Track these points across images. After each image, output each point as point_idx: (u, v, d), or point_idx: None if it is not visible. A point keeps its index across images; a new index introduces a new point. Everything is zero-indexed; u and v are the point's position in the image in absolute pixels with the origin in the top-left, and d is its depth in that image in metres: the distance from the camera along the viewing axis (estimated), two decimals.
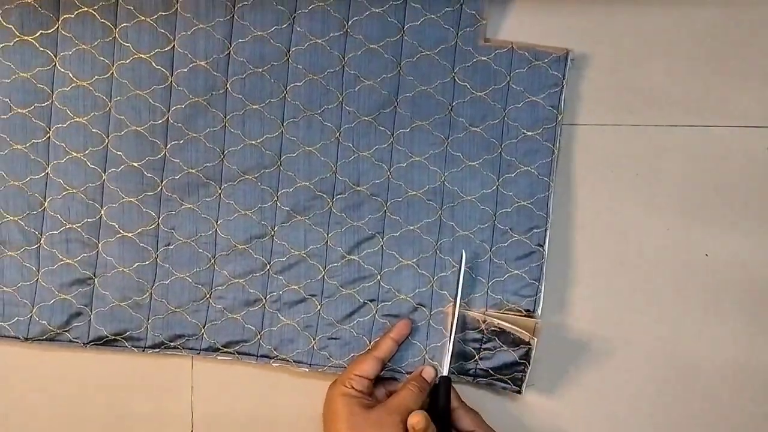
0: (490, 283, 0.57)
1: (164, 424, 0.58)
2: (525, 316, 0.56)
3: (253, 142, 0.56)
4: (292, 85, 0.55)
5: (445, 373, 0.54)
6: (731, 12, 0.57)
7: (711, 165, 0.58)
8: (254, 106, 0.56)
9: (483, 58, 0.55)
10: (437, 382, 0.55)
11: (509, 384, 0.57)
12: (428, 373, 0.55)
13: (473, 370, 0.57)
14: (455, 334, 0.55)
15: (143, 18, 0.54)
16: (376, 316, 0.57)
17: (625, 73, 0.58)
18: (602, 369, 0.59)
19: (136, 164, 0.55)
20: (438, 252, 0.57)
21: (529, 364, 0.56)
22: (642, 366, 0.59)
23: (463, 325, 0.56)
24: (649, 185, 0.58)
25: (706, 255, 0.59)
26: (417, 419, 0.49)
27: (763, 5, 0.57)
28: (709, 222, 0.59)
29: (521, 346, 0.56)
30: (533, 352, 0.55)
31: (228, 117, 0.55)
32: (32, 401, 0.58)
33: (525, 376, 0.56)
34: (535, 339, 0.55)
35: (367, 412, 0.50)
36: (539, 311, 0.57)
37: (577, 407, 0.59)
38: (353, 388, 0.52)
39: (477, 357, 0.56)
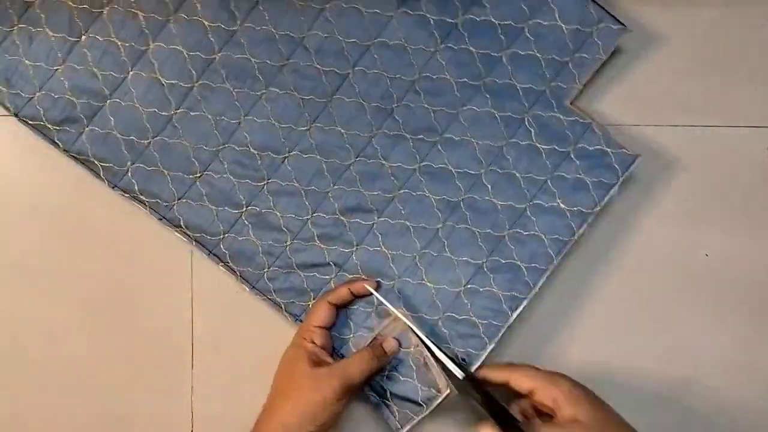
0: (445, 314, 0.57)
1: (164, 424, 0.57)
2: (458, 364, 0.54)
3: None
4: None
5: (461, 375, 0.52)
6: (731, 12, 0.58)
7: (711, 165, 0.58)
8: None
9: (559, 116, 0.56)
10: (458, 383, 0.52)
11: (393, 417, 0.55)
12: (389, 345, 0.54)
13: (375, 382, 0.55)
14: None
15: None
16: (331, 282, 0.57)
17: (625, 74, 0.58)
18: (601, 369, 0.57)
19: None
20: (417, 260, 0.57)
21: (425, 412, 0.54)
22: (641, 366, 0.58)
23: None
24: (649, 185, 0.58)
25: (706, 255, 0.58)
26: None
27: (763, 5, 0.58)
28: (709, 222, 0.58)
29: (431, 389, 0.54)
30: (435, 404, 0.54)
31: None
32: (32, 401, 0.57)
33: (414, 420, 0.54)
34: (446, 394, 0.54)
35: (311, 369, 0.49)
36: (473, 368, 0.55)
37: None
38: (312, 341, 0.51)
39: (386, 373, 0.55)
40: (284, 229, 0.56)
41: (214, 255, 0.56)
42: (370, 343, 0.54)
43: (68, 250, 0.57)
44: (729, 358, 0.58)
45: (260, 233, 0.56)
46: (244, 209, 0.56)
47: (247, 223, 0.56)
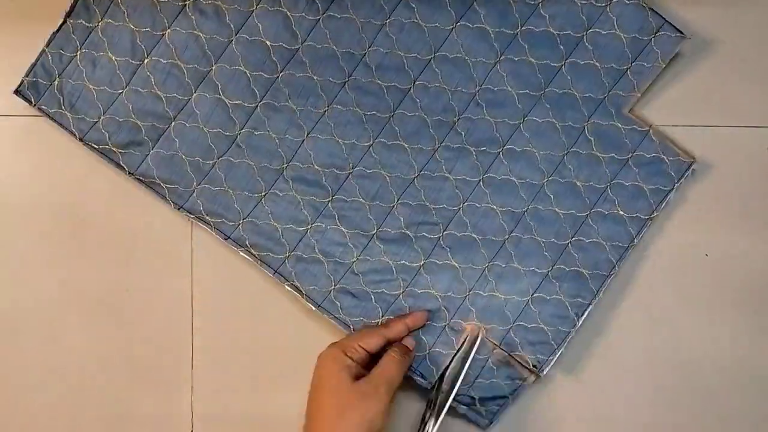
0: (515, 324, 0.57)
1: (164, 424, 0.57)
2: (530, 370, 0.56)
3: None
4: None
5: (452, 395, 0.54)
6: (732, 12, 0.58)
7: (711, 165, 0.58)
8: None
9: (618, 125, 0.56)
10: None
11: (481, 416, 0.56)
12: (410, 342, 0.54)
13: (463, 395, 0.56)
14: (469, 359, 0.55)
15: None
16: (401, 296, 0.57)
17: None
18: (601, 369, 0.58)
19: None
20: (487, 272, 0.57)
21: (510, 401, 0.56)
22: (642, 366, 0.58)
23: (471, 346, 0.56)
24: None
25: (706, 255, 0.58)
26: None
27: (763, 5, 0.58)
28: (709, 222, 0.58)
29: (516, 380, 0.55)
30: (522, 388, 0.56)
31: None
32: (32, 401, 0.57)
33: (500, 411, 0.56)
34: (533, 377, 0.55)
35: (353, 383, 0.49)
36: (544, 373, 0.56)
37: (577, 407, 0.58)
38: (351, 358, 0.51)
39: (472, 383, 0.56)
40: (350, 245, 0.56)
41: (279, 274, 0.56)
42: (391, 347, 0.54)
43: (68, 250, 0.57)
44: (729, 358, 0.58)
45: (326, 250, 0.56)
46: (310, 226, 0.56)
47: (312, 240, 0.56)
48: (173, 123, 0.56)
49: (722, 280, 0.58)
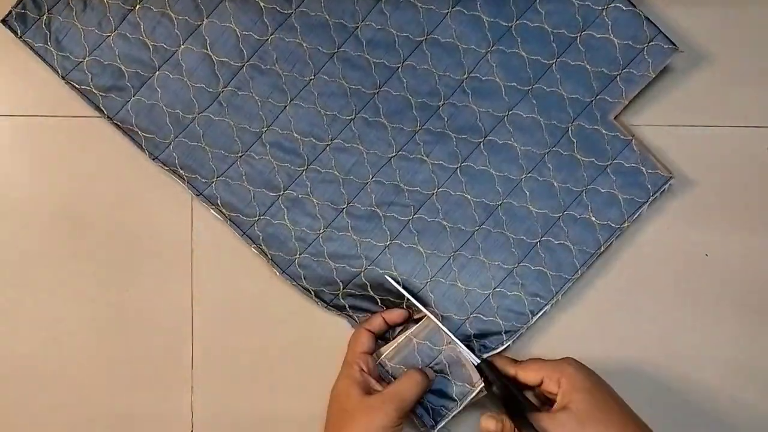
0: (472, 315, 0.56)
1: (164, 424, 0.57)
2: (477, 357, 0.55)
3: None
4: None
5: (475, 361, 0.53)
6: (731, 12, 0.58)
7: (711, 165, 0.58)
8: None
9: (602, 130, 0.56)
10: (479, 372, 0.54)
11: (428, 414, 0.55)
12: (430, 373, 0.54)
13: None
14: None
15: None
16: (362, 274, 0.57)
17: None
18: (601, 370, 0.56)
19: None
20: (451, 261, 0.56)
21: (458, 407, 0.54)
22: (642, 366, 0.58)
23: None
24: None
25: (706, 255, 0.58)
26: (485, 423, 0.49)
27: (763, 5, 0.58)
28: (709, 222, 0.58)
29: (465, 384, 0.55)
30: (469, 399, 0.54)
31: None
32: (33, 401, 0.57)
33: (448, 415, 0.54)
34: (479, 388, 0.54)
35: (363, 397, 0.50)
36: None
37: None
38: (361, 369, 0.52)
39: None
40: (319, 216, 0.56)
41: (247, 236, 0.56)
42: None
43: (68, 250, 0.57)
44: (729, 358, 0.58)
45: (295, 218, 0.56)
46: (282, 193, 0.56)
47: (282, 207, 0.56)
48: (157, 72, 0.55)
49: (722, 280, 0.58)
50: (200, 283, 0.57)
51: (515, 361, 0.54)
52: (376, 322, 0.55)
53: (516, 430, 0.49)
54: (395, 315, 0.55)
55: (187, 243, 0.57)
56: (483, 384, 0.53)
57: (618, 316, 0.58)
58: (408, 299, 0.55)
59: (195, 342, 0.57)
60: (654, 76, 0.56)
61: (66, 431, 0.57)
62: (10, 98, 0.57)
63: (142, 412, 0.57)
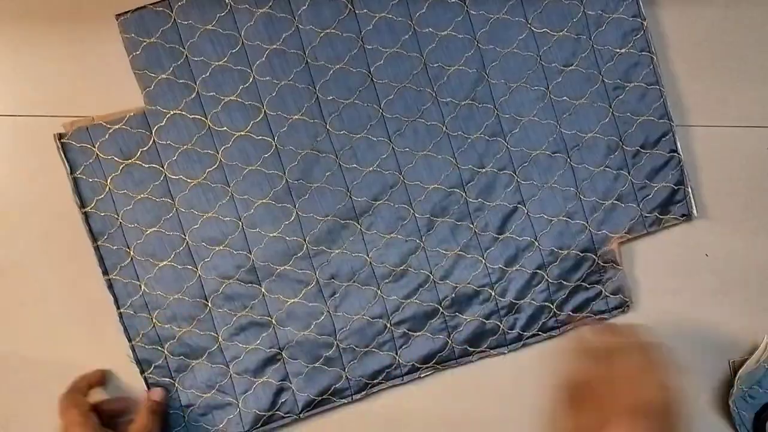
0: (641, 203, 0.57)
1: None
2: (683, 220, 0.57)
3: (371, 168, 0.57)
4: (385, 100, 0.56)
5: None
6: (731, 12, 0.58)
7: (711, 165, 0.59)
8: (358, 135, 0.56)
9: None
10: None
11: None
12: (157, 394, 0.56)
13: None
14: None
15: (227, 98, 0.55)
16: (549, 279, 0.58)
17: None
18: None
19: (276, 234, 0.56)
20: (581, 196, 0.57)
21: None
22: None
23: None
24: None
25: (706, 255, 0.59)
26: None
27: (763, 5, 0.58)
28: (709, 222, 0.59)
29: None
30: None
31: (339, 155, 0.56)
32: (33, 401, 0.56)
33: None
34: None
35: None
36: (695, 211, 0.57)
37: None
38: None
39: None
40: (481, 288, 0.58)
41: (462, 358, 0.58)
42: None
43: (68, 250, 0.56)
44: (729, 357, 0.59)
45: (468, 310, 0.58)
46: (441, 307, 0.57)
47: (452, 314, 0.57)
48: (283, 353, 0.58)
49: (722, 280, 0.59)
50: None
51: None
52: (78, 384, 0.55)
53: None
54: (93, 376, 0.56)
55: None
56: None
57: (618, 316, 0.59)
58: None
59: None
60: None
61: None
62: (10, 98, 0.56)
63: None
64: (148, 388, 0.56)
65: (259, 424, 0.57)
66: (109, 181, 0.55)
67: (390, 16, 0.55)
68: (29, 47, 0.56)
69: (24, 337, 0.57)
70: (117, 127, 0.55)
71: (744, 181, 0.59)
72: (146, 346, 0.56)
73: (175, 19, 0.54)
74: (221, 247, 0.56)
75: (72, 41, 0.56)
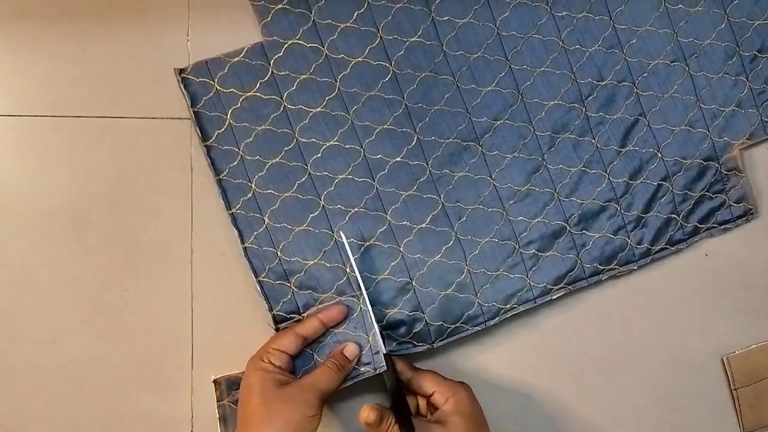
0: (761, 108, 0.57)
1: (164, 424, 0.56)
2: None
3: (490, 88, 0.56)
4: (501, 18, 0.56)
5: (383, 351, 0.52)
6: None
7: None
8: (475, 55, 0.56)
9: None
10: (383, 364, 0.52)
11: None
12: (350, 351, 0.52)
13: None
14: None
15: (343, 25, 0.54)
16: (674, 191, 0.57)
17: None
18: (601, 370, 0.58)
19: (398, 159, 0.56)
20: (701, 104, 0.57)
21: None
22: (642, 366, 0.59)
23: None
24: None
25: (706, 255, 0.59)
26: (366, 414, 0.48)
27: None
28: None
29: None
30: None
31: (457, 76, 0.56)
32: (33, 401, 0.56)
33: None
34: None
35: (280, 389, 0.48)
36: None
37: (576, 407, 0.59)
38: (270, 362, 0.49)
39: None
40: (606, 204, 0.57)
41: (592, 277, 0.57)
42: (330, 352, 0.53)
43: (68, 250, 0.55)
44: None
45: (595, 226, 0.57)
46: (568, 225, 0.56)
47: (579, 232, 0.56)
48: (413, 282, 0.56)
49: (722, 280, 0.59)
50: (200, 283, 0.56)
51: (415, 368, 0.54)
52: (309, 325, 0.52)
53: (394, 424, 0.48)
54: (334, 312, 0.53)
55: (187, 243, 0.56)
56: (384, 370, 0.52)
57: (616, 316, 0.59)
58: (351, 265, 0.54)
59: (195, 342, 0.56)
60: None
61: (66, 431, 0.55)
62: (10, 98, 0.55)
63: (142, 413, 0.56)
64: (276, 324, 0.54)
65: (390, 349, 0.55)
66: (229, 114, 0.54)
67: None
68: (29, 47, 0.55)
69: (24, 337, 0.56)
70: (236, 60, 0.54)
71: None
72: (273, 282, 0.54)
73: None
74: (344, 176, 0.55)
75: (72, 41, 0.56)
